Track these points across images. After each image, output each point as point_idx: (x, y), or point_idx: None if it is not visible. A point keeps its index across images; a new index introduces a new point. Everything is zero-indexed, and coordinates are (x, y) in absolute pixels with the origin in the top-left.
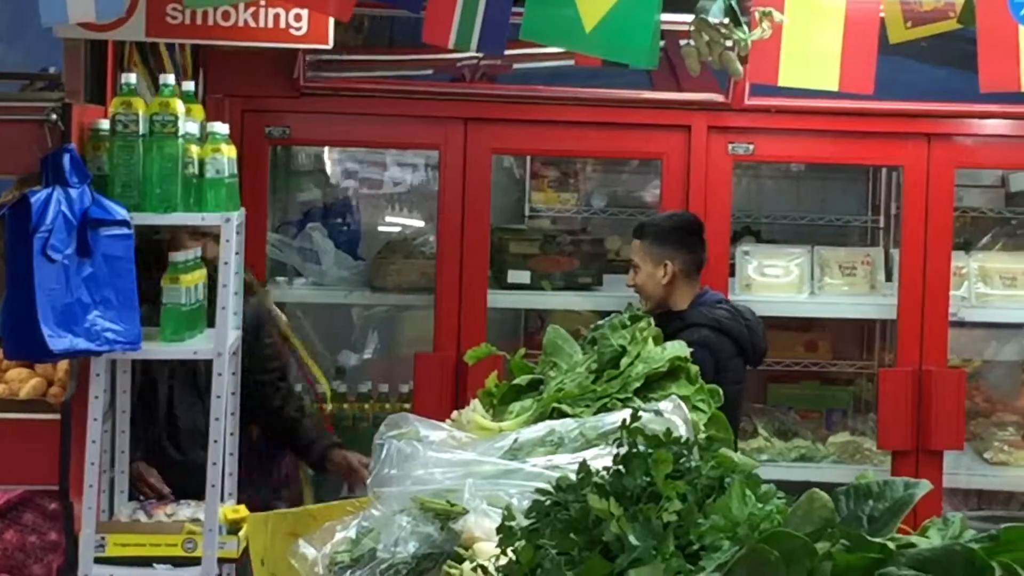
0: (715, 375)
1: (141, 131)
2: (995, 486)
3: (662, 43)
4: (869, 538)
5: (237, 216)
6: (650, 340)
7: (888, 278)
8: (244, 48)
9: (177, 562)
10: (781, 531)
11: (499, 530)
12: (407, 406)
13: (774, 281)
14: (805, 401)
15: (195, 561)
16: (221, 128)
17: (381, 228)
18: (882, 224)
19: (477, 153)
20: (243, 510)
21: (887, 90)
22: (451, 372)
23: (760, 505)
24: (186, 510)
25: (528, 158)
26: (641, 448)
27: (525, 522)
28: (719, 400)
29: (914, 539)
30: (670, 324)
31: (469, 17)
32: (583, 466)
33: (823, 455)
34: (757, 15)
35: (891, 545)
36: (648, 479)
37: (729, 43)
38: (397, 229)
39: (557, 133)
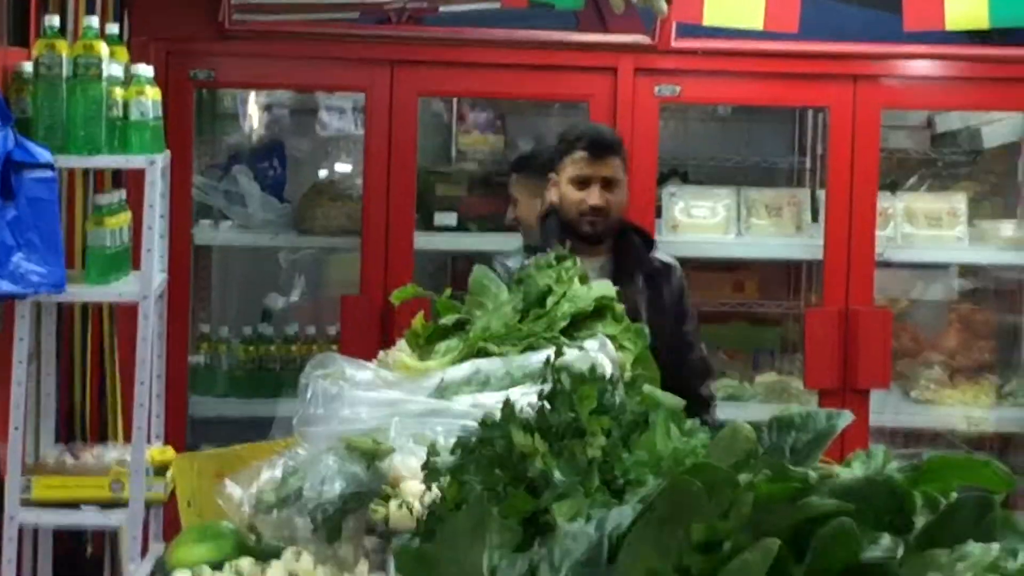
0: None
1: (65, 74)
2: (921, 424)
3: None
4: (791, 468)
5: (161, 159)
6: (576, 280)
7: (814, 219)
8: None
9: (104, 504)
10: (703, 462)
11: (424, 467)
12: (334, 348)
13: (701, 222)
14: (732, 341)
15: (123, 503)
16: (145, 70)
17: (308, 171)
18: (808, 165)
19: (403, 96)
20: (170, 452)
21: (813, 32)
22: (378, 314)
23: (685, 440)
24: (113, 452)
25: (455, 101)
26: (566, 385)
27: (450, 459)
28: (646, 340)
29: (837, 469)
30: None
31: None
32: (507, 403)
33: (750, 395)
34: None
35: (813, 475)
36: (573, 415)
37: None
38: (324, 172)
39: (483, 76)
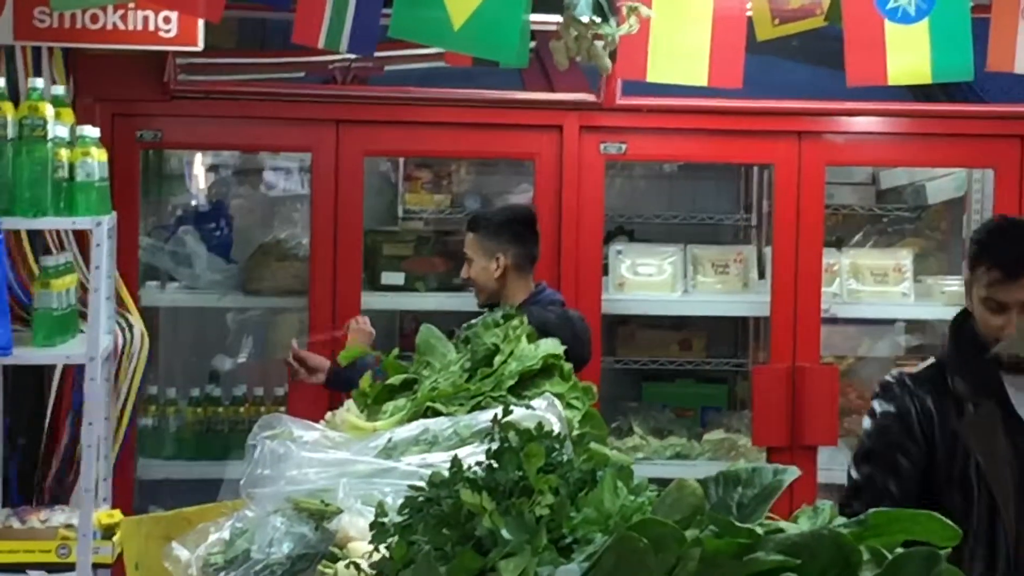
0: None
1: (10, 135)
2: None
3: (533, 43)
4: (737, 524)
5: (108, 220)
6: (523, 338)
7: (761, 276)
8: (114, 51)
9: (52, 568)
10: (650, 518)
11: (372, 526)
12: (282, 409)
13: (647, 280)
14: (680, 399)
15: (70, 567)
16: (91, 131)
17: (254, 232)
18: (754, 222)
19: (349, 155)
20: (117, 515)
21: (758, 89)
22: None
23: (632, 497)
24: (60, 516)
25: (401, 160)
26: (513, 443)
27: (398, 518)
28: (593, 397)
29: (783, 525)
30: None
31: (339, 17)
32: (455, 461)
33: (698, 452)
34: (624, 10)
35: (759, 530)
36: (520, 473)
37: (600, 43)
38: (270, 233)
39: (429, 134)
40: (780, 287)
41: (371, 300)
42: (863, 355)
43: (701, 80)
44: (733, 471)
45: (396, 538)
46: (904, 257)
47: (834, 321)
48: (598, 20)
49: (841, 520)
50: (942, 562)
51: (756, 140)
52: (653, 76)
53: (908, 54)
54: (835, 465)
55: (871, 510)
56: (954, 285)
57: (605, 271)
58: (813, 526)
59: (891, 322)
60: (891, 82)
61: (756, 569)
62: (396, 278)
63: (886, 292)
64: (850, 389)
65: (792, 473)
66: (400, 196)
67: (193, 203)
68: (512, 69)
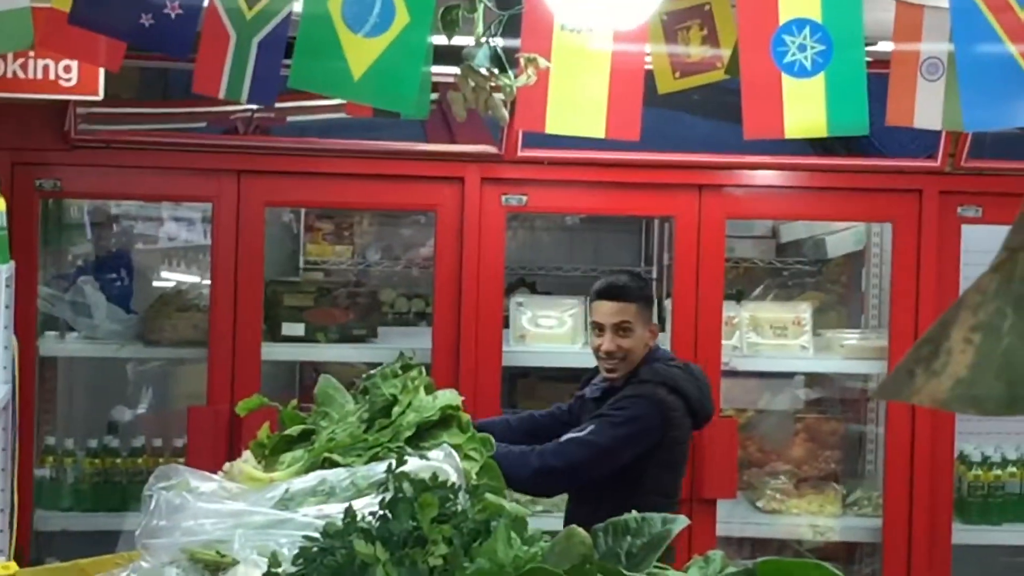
0: (662, 434)
1: None
2: (768, 534)
3: (435, 96)
4: (625, 573)
5: (6, 269)
6: (421, 389)
7: (661, 328)
8: (13, 100)
9: None
10: (538, 567)
11: None
12: (181, 461)
13: (548, 332)
14: None
15: None
16: None
17: (155, 282)
18: (655, 275)
19: (250, 206)
20: (13, 566)
21: (659, 142)
22: (225, 426)
23: (526, 548)
24: None
25: (303, 211)
26: (407, 493)
27: (292, 569)
28: (491, 448)
29: (672, 574)
30: (624, 384)
31: (239, 68)
32: (349, 511)
33: None
34: (522, 61)
35: None
36: (414, 523)
37: (499, 95)
38: (171, 283)
39: (331, 185)
40: (680, 339)
41: (271, 351)
42: (763, 408)
43: (599, 132)
44: (622, 520)
45: None
46: (804, 310)
47: (734, 374)
48: (496, 71)
49: (732, 569)
50: None
51: (657, 193)
52: (552, 127)
53: (804, 108)
54: (734, 518)
55: (759, 559)
56: (853, 339)
57: (506, 323)
58: (704, 575)
59: (790, 375)
60: (788, 135)
61: None
62: (297, 329)
63: (786, 345)
64: (749, 442)
65: (680, 523)
66: (302, 247)
67: (93, 253)
68: (414, 121)
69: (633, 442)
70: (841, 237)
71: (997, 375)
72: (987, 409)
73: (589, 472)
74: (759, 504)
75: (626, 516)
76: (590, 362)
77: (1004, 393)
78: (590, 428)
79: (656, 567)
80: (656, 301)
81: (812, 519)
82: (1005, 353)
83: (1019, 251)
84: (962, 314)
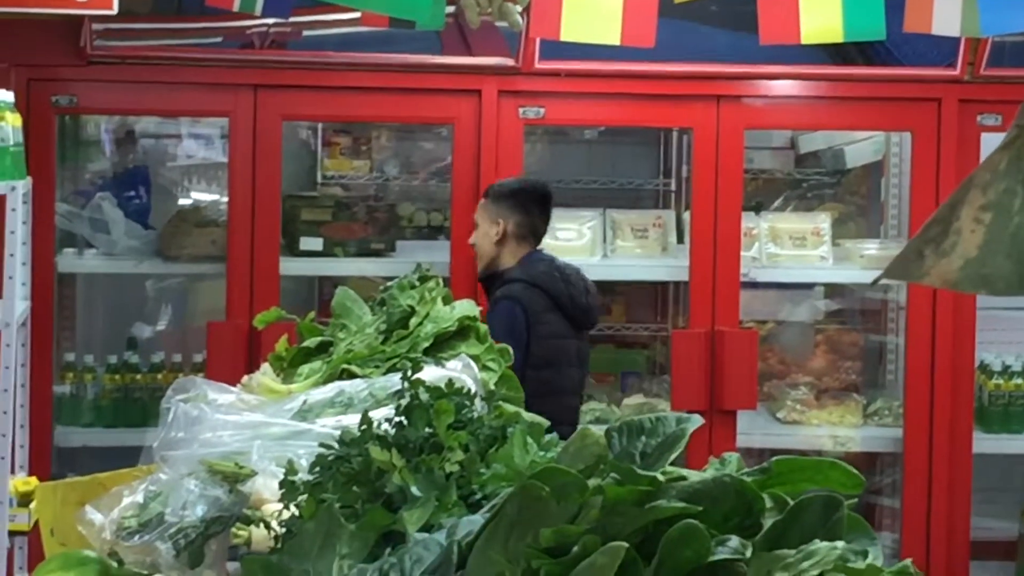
0: (527, 328)
1: None
2: (788, 445)
3: (451, 9)
4: (639, 471)
5: (23, 185)
6: (439, 300)
7: (680, 240)
8: (29, 16)
9: None
10: (552, 467)
11: (282, 484)
12: (201, 375)
13: (566, 244)
14: (600, 364)
15: None
16: (5, 96)
17: (173, 198)
18: (673, 187)
19: (267, 120)
20: (33, 481)
21: (676, 53)
22: (244, 340)
23: (542, 453)
24: None
25: (320, 125)
26: (423, 399)
27: (308, 477)
28: (509, 359)
29: (685, 473)
30: (494, 284)
31: None
32: (365, 418)
33: (618, 417)
34: None
35: (661, 478)
36: (430, 430)
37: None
38: (189, 199)
39: (348, 99)
40: (699, 251)
41: (289, 266)
42: (782, 319)
43: (614, 39)
44: (635, 420)
45: (306, 496)
46: (823, 221)
47: (753, 285)
48: None
49: (747, 469)
50: (842, 507)
51: (674, 104)
52: (567, 35)
53: (820, 13)
54: (754, 429)
55: (774, 458)
56: (872, 249)
57: None
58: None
59: (810, 286)
60: (804, 41)
61: (658, 516)
62: (315, 243)
63: (805, 256)
64: (769, 354)
65: (695, 422)
66: (319, 162)
67: (110, 169)
68: (431, 33)
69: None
70: (860, 147)
71: (1008, 254)
72: (997, 289)
73: None
74: (779, 415)
75: (640, 416)
76: (609, 274)
77: (1015, 272)
78: None
79: (671, 467)
80: (520, 204)
81: (832, 430)
82: (1015, 232)
83: None
84: (972, 193)
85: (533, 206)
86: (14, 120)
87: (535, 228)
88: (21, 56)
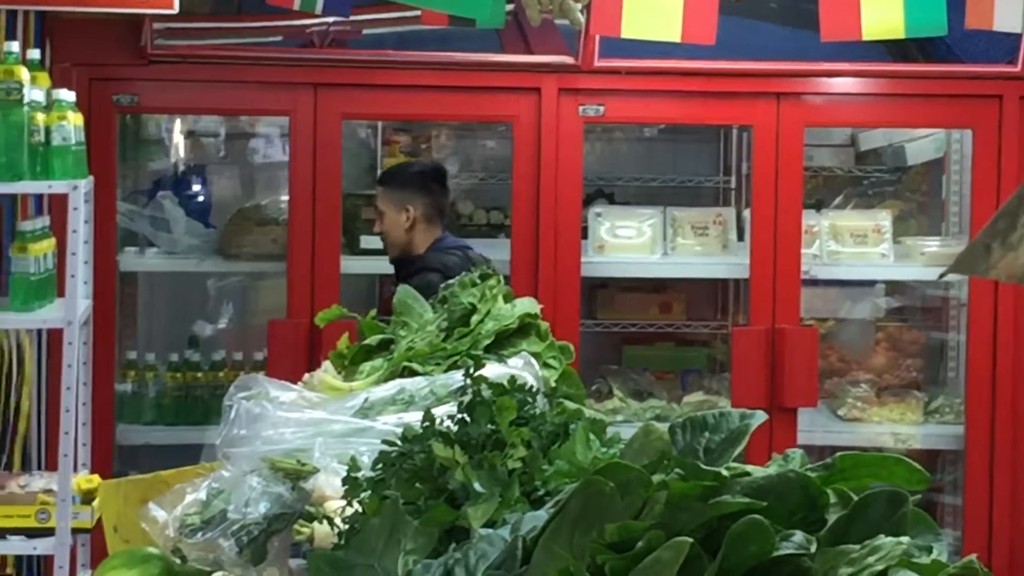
0: None
1: None
2: (849, 443)
3: (510, 7)
4: (703, 467)
5: (85, 184)
6: (500, 297)
7: (740, 238)
8: (90, 15)
9: (31, 533)
10: (616, 462)
11: (345, 481)
12: (262, 373)
13: (627, 242)
14: (660, 362)
15: (49, 532)
16: (67, 95)
17: (233, 197)
18: (734, 185)
19: (327, 119)
20: (96, 479)
21: (736, 51)
22: (305, 339)
23: (604, 450)
24: (39, 481)
25: (379, 124)
26: (486, 396)
27: (371, 474)
28: (570, 357)
29: (750, 468)
30: (406, 269)
31: None
32: (428, 415)
33: (678, 415)
34: None
35: (725, 473)
36: (493, 427)
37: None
38: (250, 198)
39: (407, 98)
40: (759, 249)
41: (350, 264)
42: (842, 317)
43: (675, 36)
44: (699, 416)
45: (369, 493)
46: (883, 218)
47: (814, 283)
48: None
49: (811, 465)
50: (907, 503)
51: (735, 102)
52: (627, 32)
53: (882, 9)
54: (815, 427)
55: (839, 454)
56: (933, 246)
57: (584, 234)
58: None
59: (871, 283)
60: (865, 37)
61: (722, 512)
62: (375, 242)
63: (865, 253)
64: (830, 351)
65: (759, 417)
66: (379, 160)
67: (171, 168)
68: (490, 31)
69: None
70: (921, 145)
71: None
72: None
73: None
74: (840, 413)
75: (703, 412)
76: (670, 272)
77: None
78: None
79: (734, 463)
80: (423, 186)
81: (893, 427)
82: None
83: None
84: None
85: (435, 185)
86: (76, 119)
87: (440, 207)
88: (83, 56)
